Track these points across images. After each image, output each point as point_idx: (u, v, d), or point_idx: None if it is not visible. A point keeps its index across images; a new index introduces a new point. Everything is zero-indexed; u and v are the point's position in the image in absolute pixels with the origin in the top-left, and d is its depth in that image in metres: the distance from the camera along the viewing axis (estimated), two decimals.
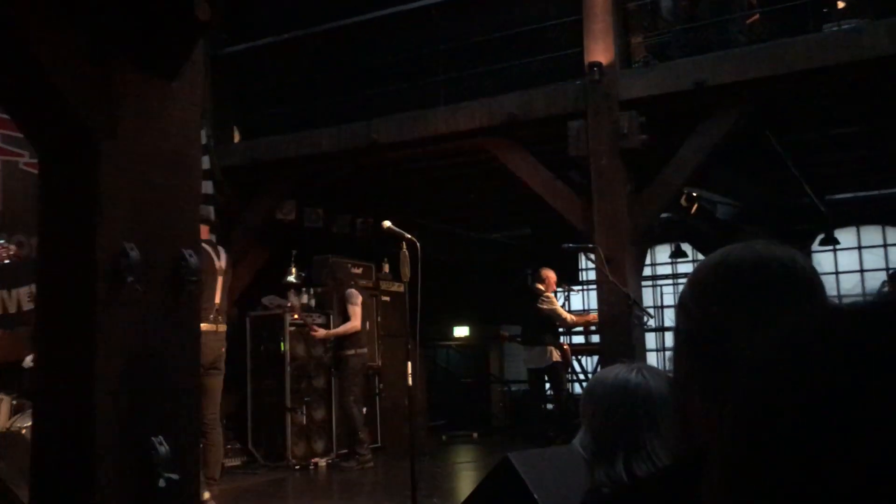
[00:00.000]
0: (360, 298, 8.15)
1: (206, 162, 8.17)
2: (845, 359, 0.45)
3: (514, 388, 12.20)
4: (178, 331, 3.18)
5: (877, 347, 0.45)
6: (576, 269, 13.80)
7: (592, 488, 1.72)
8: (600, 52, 6.90)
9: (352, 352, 7.94)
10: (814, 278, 1.07)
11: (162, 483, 3.06)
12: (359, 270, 9.16)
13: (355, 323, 7.97)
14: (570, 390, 10.38)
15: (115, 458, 2.93)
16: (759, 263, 1.06)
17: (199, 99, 3.50)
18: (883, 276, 12.30)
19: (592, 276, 11.67)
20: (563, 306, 9.76)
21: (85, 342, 2.88)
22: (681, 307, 1.15)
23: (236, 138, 9.07)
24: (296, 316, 8.24)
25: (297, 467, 8.03)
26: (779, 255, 1.07)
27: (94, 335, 2.87)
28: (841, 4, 6.88)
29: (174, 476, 3.08)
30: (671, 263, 13.49)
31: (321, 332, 8.11)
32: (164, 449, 3.07)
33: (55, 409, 2.95)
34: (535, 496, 2.71)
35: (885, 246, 12.97)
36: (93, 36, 2.76)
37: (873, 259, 13.02)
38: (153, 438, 3.06)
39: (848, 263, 13.14)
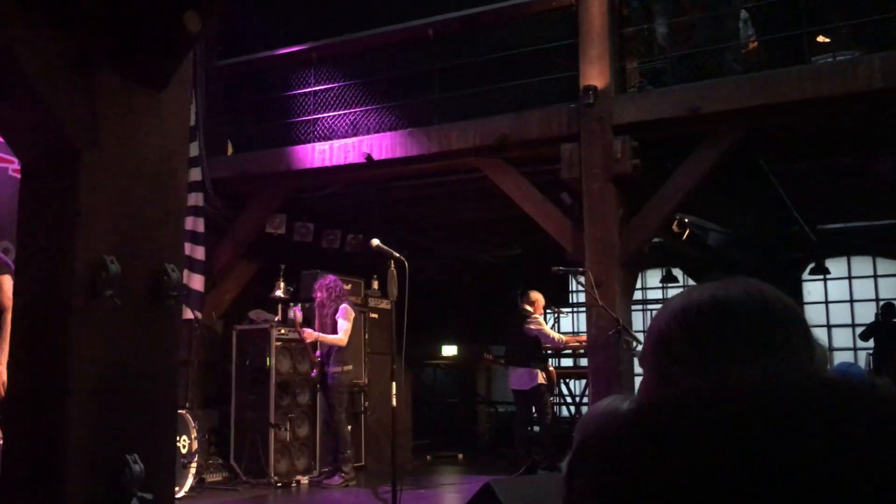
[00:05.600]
0: (352, 315, 8.07)
1: (197, 173, 8.11)
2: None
3: (500, 409, 12.10)
4: (157, 347, 3.11)
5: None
6: (566, 292, 13.75)
7: None
8: (595, 75, 6.89)
9: (337, 369, 7.87)
10: (794, 321, 1.01)
11: (134, 503, 2.98)
12: (348, 286, 9.09)
13: (342, 338, 7.89)
14: (557, 413, 10.31)
15: (86, 476, 2.86)
16: (762, 302, 1.01)
17: (187, 110, 3.45)
18: (872, 306, 12.30)
19: (582, 298, 11.62)
20: (552, 328, 9.70)
21: (59, 355, 2.81)
22: (661, 343, 1.07)
23: (229, 150, 9.01)
24: (283, 331, 8.10)
25: (278, 484, 7.91)
26: (769, 295, 1.02)
27: (68, 348, 2.80)
28: (825, 39, 6.86)
29: (147, 496, 3.01)
30: (662, 288, 13.46)
31: (309, 333, 7.97)
32: (138, 468, 3.00)
33: (24, 424, 2.88)
34: None
35: (874, 277, 12.98)
36: (78, 43, 2.71)
37: (863, 289, 13.03)
38: (127, 456, 2.99)
39: (838, 293, 13.13)
